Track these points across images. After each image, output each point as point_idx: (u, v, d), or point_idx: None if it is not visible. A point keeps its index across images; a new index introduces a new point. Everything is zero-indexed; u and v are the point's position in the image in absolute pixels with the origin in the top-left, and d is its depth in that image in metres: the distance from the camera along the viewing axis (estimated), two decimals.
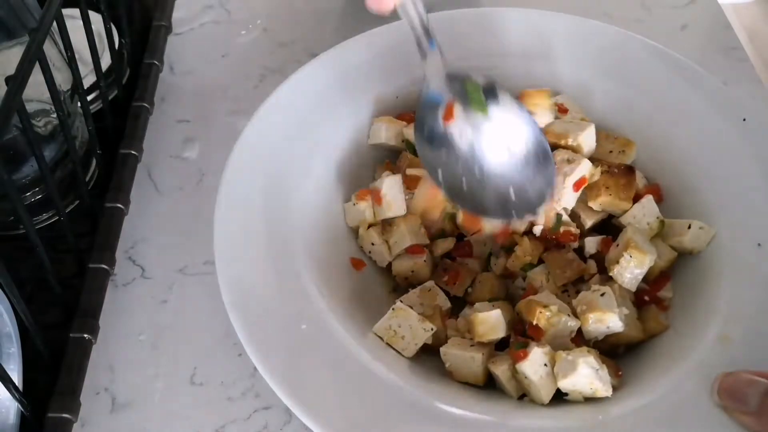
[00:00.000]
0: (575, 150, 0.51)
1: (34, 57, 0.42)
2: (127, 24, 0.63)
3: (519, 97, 0.53)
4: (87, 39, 0.53)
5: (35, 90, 0.45)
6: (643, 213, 0.51)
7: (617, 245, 0.49)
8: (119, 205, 0.56)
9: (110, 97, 0.61)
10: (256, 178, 0.51)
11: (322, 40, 0.66)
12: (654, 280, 0.50)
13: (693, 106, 0.56)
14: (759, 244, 0.48)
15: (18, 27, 0.49)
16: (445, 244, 0.53)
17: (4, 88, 0.40)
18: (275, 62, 0.69)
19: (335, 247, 0.52)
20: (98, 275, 0.53)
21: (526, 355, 0.44)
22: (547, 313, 0.46)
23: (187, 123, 0.64)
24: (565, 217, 0.51)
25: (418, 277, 0.51)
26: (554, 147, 0.52)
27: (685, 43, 0.72)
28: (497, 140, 0.42)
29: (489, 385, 0.47)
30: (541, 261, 0.51)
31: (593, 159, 0.52)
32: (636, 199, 0.51)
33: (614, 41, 0.60)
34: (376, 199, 0.52)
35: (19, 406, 0.44)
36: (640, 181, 0.54)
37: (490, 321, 0.46)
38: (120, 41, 0.64)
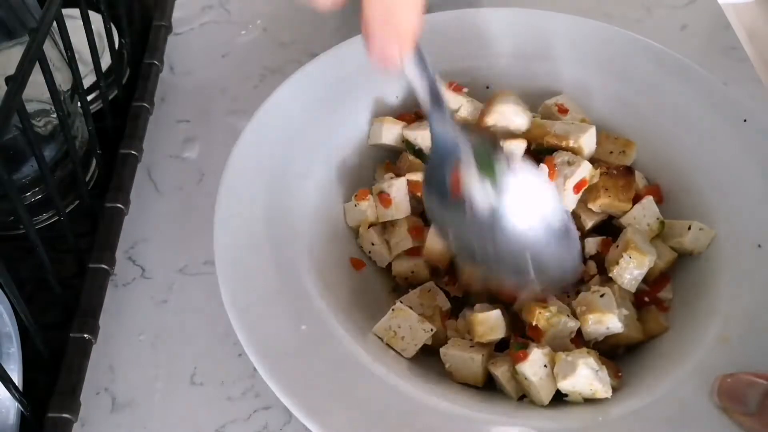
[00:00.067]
0: (576, 152, 0.51)
1: (34, 57, 0.42)
2: (127, 24, 0.63)
3: (487, 103, 0.53)
4: (87, 39, 0.53)
5: (35, 90, 0.45)
6: (643, 214, 0.51)
7: (617, 246, 0.49)
8: (119, 205, 0.56)
9: (110, 97, 0.61)
10: (256, 178, 0.51)
11: (322, 40, 0.66)
12: (654, 281, 0.50)
13: (693, 107, 0.56)
14: (759, 245, 0.48)
15: (18, 27, 0.49)
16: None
17: (4, 88, 0.40)
18: (275, 62, 0.69)
19: (335, 247, 0.52)
20: (98, 275, 0.53)
21: (525, 356, 0.44)
22: (547, 314, 0.46)
23: (187, 123, 0.64)
24: None
25: (418, 278, 0.51)
26: (555, 148, 0.52)
27: (685, 43, 0.72)
28: (511, 208, 0.39)
29: (489, 386, 0.47)
30: None
31: (593, 160, 0.52)
32: (636, 199, 0.51)
33: (614, 41, 0.60)
34: (385, 201, 0.52)
35: (19, 406, 0.44)
36: (640, 182, 0.54)
37: (490, 321, 0.46)
38: (120, 41, 0.64)
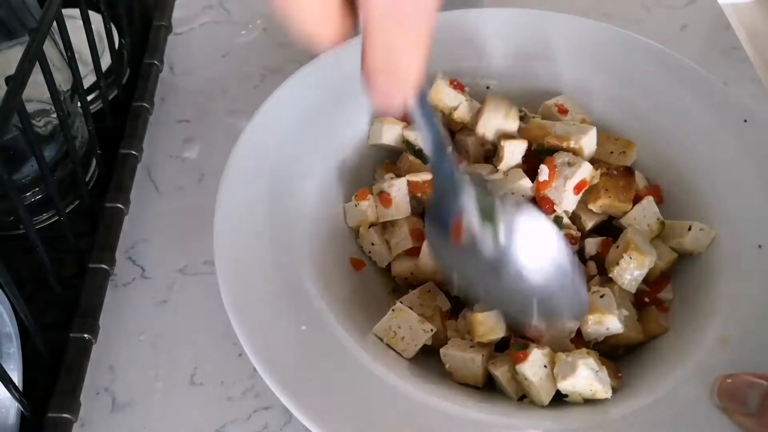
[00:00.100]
0: (576, 153, 0.51)
1: (34, 57, 0.42)
2: (127, 24, 0.63)
3: (478, 110, 0.53)
4: (87, 39, 0.53)
5: (35, 90, 0.46)
6: (644, 214, 0.51)
7: (617, 246, 0.49)
8: (119, 205, 0.56)
9: (110, 97, 0.61)
10: (257, 178, 0.51)
11: None
12: (654, 281, 0.50)
13: (693, 107, 0.56)
14: (760, 246, 0.48)
15: (18, 27, 0.49)
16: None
17: (4, 88, 0.40)
18: (275, 62, 0.69)
19: (335, 247, 0.52)
20: (98, 275, 0.53)
21: (525, 357, 0.44)
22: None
23: (187, 123, 0.64)
24: (566, 220, 0.51)
25: (418, 278, 0.51)
26: (555, 149, 0.52)
27: (685, 43, 0.72)
28: (514, 255, 0.38)
29: (489, 386, 0.47)
30: None
31: (593, 161, 0.52)
32: (636, 200, 0.51)
33: (614, 41, 0.60)
34: (385, 201, 0.52)
35: (19, 406, 0.44)
36: (640, 182, 0.54)
37: (490, 321, 0.46)
38: (120, 41, 0.64)
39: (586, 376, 0.43)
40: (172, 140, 0.63)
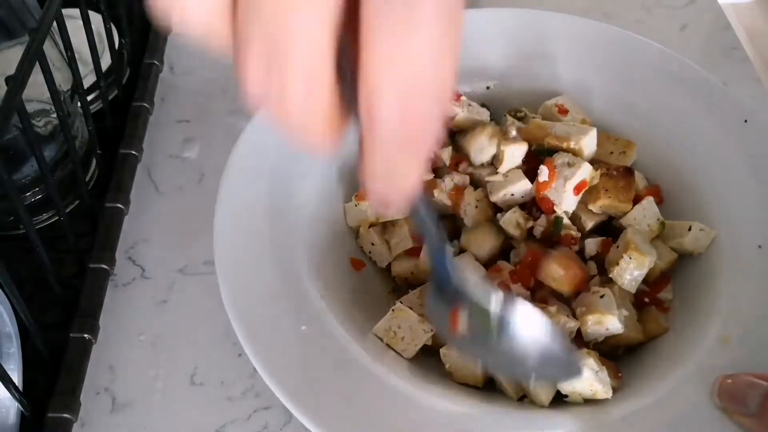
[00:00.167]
0: (576, 153, 0.51)
1: (34, 57, 0.42)
2: (127, 24, 0.63)
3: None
4: (87, 39, 0.53)
5: (35, 90, 0.45)
6: (644, 215, 0.51)
7: (617, 247, 0.49)
8: (119, 205, 0.56)
9: (110, 97, 0.61)
10: (257, 178, 0.51)
11: None
12: (654, 281, 0.50)
13: (693, 107, 0.56)
14: (760, 246, 0.48)
15: (18, 27, 0.49)
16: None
17: (4, 88, 0.40)
18: None
19: (335, 248, 0.52)
20: (98, 275, 0.53)
21: None
22: (546, 315, 0.46)
23: (187, 123, 0.64)
24: (566, 221, 0.51)
25: (418, 278, 0.51)
26: (555, 150, 0.52)
27: (685, 43, 0.72)
28: (510, 338, 0.39)
29: (489, 386, 0.47)
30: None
31: (593, 161, 0.52)
32: (637, 200, 0.51)
33: (614, 41, 0.60)
34: None
35: (19, 406, 0.44)
36: (640, 182, 0.54)
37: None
38: (120, 41, 0.64)
39: (586, 377, 0.43)
40: (172, 140, 0.63)
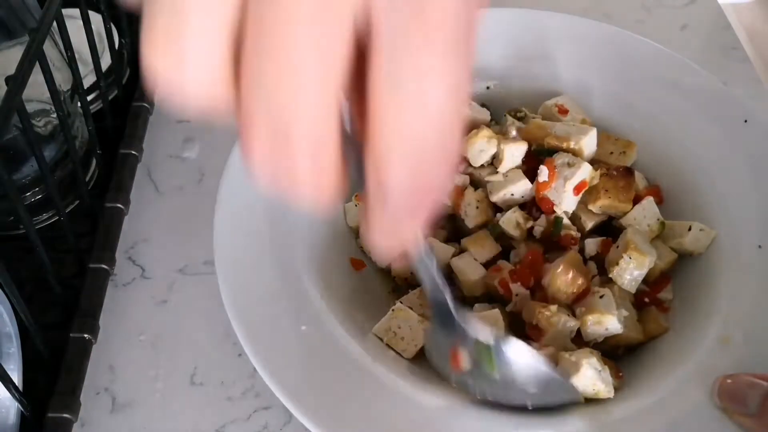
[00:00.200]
0: (576, 153, 0.51)
1: (34, 57, 0.42)
2: (127, 24, 0.63)
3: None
4: (87, 39, 0.53)
5: (35, 90, 0.45)
6: (644, 215, 0.51)
7: (617, 247, 0.49)
8: (119, 205, 0.56)
9: (110, 97, 0.61)
10: None
11: None
12: (654, 281, 0.50)
13: (693, 107, 0.56)
14: (760, 246, 0.48)
15: (18, 27, 0.49)
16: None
17: (4, 88, 0.40)
18: None
19: (335, 248, 0.52)
20: (98, 275, 0.53)
21: None
22: (547, 313, 0.46)
23: (187, 123, 0.64)
24: (566, 221, 0.51)
25: (418, 278, 0.51)
26: (555, 150, 0.52)
27: (685, 43, 0.72)
28: (508, 373, 0.42)
29: None
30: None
31: (593, 161, 0.52)
32: (637, 200, 0.51)
33: (614, 41, 0.60)
34: None
35: (19, 406, 0.44)
36: (640, 182, 0.54)
37: (488, 321, 0.47)
38: (120, 41, 0.64)
39: (589, 376, 0.43)
40: (172, 140, 0.63)
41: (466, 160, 0.54)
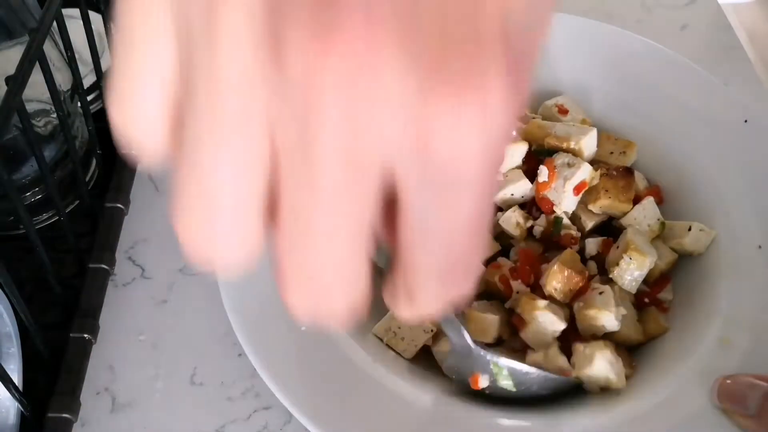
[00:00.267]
0: (576, 153, 0.51)
1: (34, 57, 0.42)
2: None
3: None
4: (87, 39, 0.53)
5: (35, 90, 0.45)
6: (644, 215, 0.51)
7: (617, 247, 0.49)
8: (119, 205, 0.56)
9: None
10: None
11: None
12: (654, 281, 0.50)
13: (693, 107, 0.56)
14: (759, 246, 0.48)
15: (18, 27, 0.49)
16: None
17: (4, 88, 0.40)
18: None
19: None
20: (98, 275, 0.53)
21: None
22: (533, 304, 0.46)
23: None
24: (566, 221, 0.51)
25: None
26: (555, 150, 0.52)
27: (685, 43, 0.72)
28: (523, 388, 0.46)
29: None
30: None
31: (593, 161, 0.52)
32: (637, 200, 0.51)
33: (614, 41, 0.60)
34: None
35: (19, 406, 0.44)
36: (640, 183, 0.54)
37: (484, 323, 0.47)
38: None
39: (602, 368, 0.44)
40: None
41: None
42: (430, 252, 0.19)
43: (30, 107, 0.43)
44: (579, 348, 0.45)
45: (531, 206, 0.52)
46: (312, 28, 0.15)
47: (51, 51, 0.48)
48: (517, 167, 0.52)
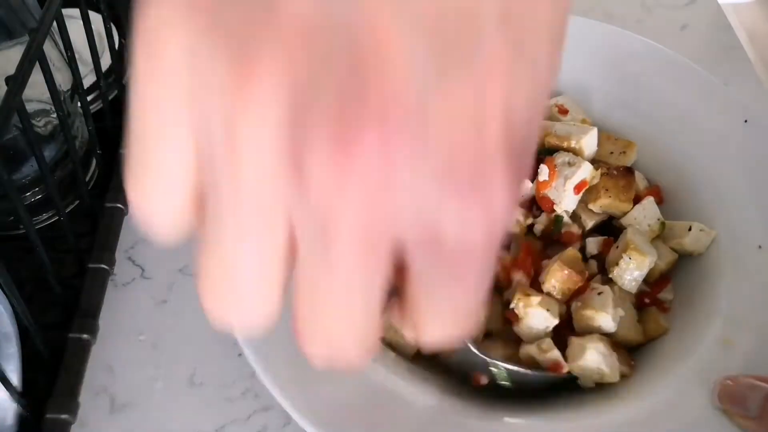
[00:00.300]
0: (576, 153, 0.51)
1: (34, 57, 0.42)
2: (127, 24, 0.63)
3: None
4: (87, 39, 0.52)
5: (35, 90, 0.45)
6: (644, 215, 0.51)
7: (617, 247, 0.49)
8: (119, 205, 0.56)
9: (110, 97, 0.61)
10: None
11: None
12: (654, 282, 0.50)
13: (693, 107, 0.55)
14: (760, 247, 0.48)
15: (18, 27, 0.49)
16: None
17: (4, 88, 0.40)
18: None
19: None
20: (98, 275, 0.53)
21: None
22: (527, 301, 0.46)
23: None
24: (566, 219, 0.51)
25: None
26: (556, 149, 0.52)
27: (685, 43, 0.72)
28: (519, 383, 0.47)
29: (490, 387, 0.47)
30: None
31: (593, 161, 0.52)
32: (637, 200, 0.51)
33: (615, 41, 0.60)
34: None
35: (18, 406, 0.44)
36: (640, 183, 0.54)
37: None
38: (120, 41, 0.64)
39: (594, 360, 0.44)
40: None
41: None
42: (434, 303, 0.20)
43: (30, 107, 0.43)
44: (573, 340, 0.45)
45: (531, 206, 0.52)
46: (331, 145, 0.16)
47: (51, 51, 0.48)
48: None
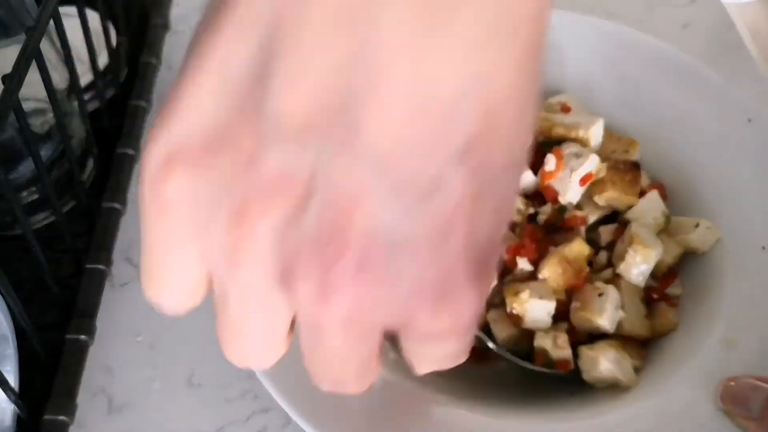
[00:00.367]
0: (583, 143, 0.51)
1: (30, 56, 0.42)
2: (124, 22, 0.63)
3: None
4: (84, 37, 0.52)
5: (32, 89, 0.45)
6: (648, 208, 0.51)
7: (622, 241, 0.49)
8: (116, 205, 0.56)
9: (108, 96, 0.61)
10: None
11: None
12: (662, 276, 0.50)
13: (697, 106, 0.55)
14: (763, 247, 0.48)
15: (14, 25, 0.48)
16: None
17: (1, 87, 0.40)
18: None
19: None
20: (95, 276, 0.52)
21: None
22: (519, 299, 0.46)
23: None
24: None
25: None
26: (563, 140, 0.52)
27: (687, 41, 0.71)
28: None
29: (490, 387, 0.47)
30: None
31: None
32: (641, 196, 0.51)
33: (617, 39, 0.59)
34: None
35: (16, 408, 0.44)
36: (644, 181, 0.53)
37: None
38: (117, 40, 0.63)
39: (608, 369, 0.44)
40: None
41: None
42: (423, 354, 0.25)
43: (26, 106, 0.43)
44: (584, 352, 0.45)
45: (534, 198, 0.52)
46: (315, 285, 0.21)
47: (48, 49, 0.48)
48: None
